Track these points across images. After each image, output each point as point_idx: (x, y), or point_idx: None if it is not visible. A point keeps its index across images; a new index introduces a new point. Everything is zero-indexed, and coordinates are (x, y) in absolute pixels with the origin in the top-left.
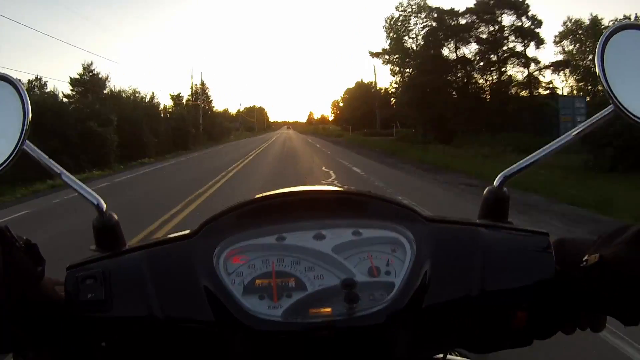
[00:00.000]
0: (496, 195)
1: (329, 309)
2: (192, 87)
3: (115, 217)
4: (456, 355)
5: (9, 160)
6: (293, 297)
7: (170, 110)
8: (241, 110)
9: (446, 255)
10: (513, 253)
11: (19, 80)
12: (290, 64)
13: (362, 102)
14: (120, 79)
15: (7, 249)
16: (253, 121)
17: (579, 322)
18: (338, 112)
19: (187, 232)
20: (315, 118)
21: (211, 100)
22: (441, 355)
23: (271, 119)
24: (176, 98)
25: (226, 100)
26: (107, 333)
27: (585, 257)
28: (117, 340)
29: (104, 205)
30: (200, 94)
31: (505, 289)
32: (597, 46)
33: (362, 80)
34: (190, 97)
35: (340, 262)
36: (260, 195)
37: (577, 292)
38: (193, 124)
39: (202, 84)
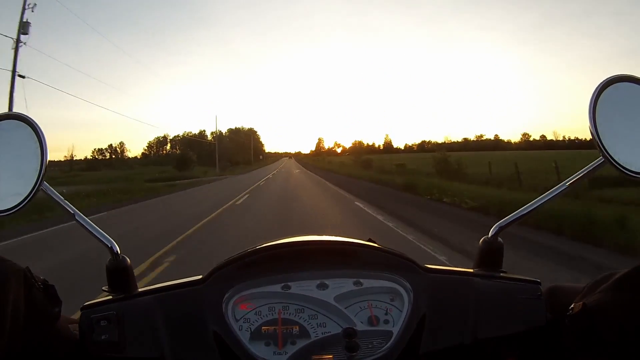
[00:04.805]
0: (490, 245)
1: (330, 356)
2: None
3: (128, 260)
4: None
5: (27, 200)
6: (297, 344)
7: None
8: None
9: (442, 304)
10: (505, 302)
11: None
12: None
13: None
14: None
15: (27, 291)
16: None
17: None
18: None
19: (197, 278)
20: (327, 147)
21: None
22: None
23: (267, 149)
24: None
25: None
26: None
27: (572, 306)
28: None
29: (117, 248)
30: None
31: (497, 336)
32: (590, 98)
33: None
34: None
35: (342, 311)
36: (266, 244)
37: (565, 339)
38: None
39: None
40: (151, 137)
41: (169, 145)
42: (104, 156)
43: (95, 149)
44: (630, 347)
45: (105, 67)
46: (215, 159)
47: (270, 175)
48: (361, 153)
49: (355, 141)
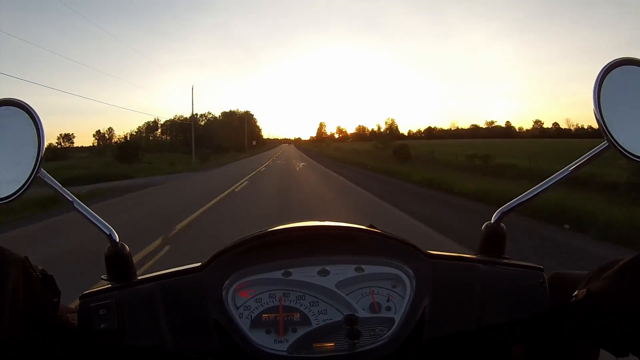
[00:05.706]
0: (493, 230)
1: (332, 344)
2: None
3: (127, 248)
4: None
5: (24, 188)
6: (298, 331)
7: None
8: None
9: (445, 291)
10: (509, 289)
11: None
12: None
13: None
14: None
15: (26, 280)
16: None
17: (573, 354)
18: None
19: (197, 264)
20: (329, 132)
21: None
22: None
23: (265, 135)
24: None
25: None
26: None
27: (575, 292)
28: None
29: (116, 236)
30: None
31: (501, 323)
32: (595, 81)
33: None
34: None
35: (343, 297)
36: (267, 230)
37: (569, 326)
38: None
39: None
40: (141, 123)
41: (159, 130)
42: (71, 142)
43: (60, 135)
44: (634, 334)
45: (90, 50)
46: (192, 146)
47: (246, 182)
48: (390, 138)
49: (360, 126)
